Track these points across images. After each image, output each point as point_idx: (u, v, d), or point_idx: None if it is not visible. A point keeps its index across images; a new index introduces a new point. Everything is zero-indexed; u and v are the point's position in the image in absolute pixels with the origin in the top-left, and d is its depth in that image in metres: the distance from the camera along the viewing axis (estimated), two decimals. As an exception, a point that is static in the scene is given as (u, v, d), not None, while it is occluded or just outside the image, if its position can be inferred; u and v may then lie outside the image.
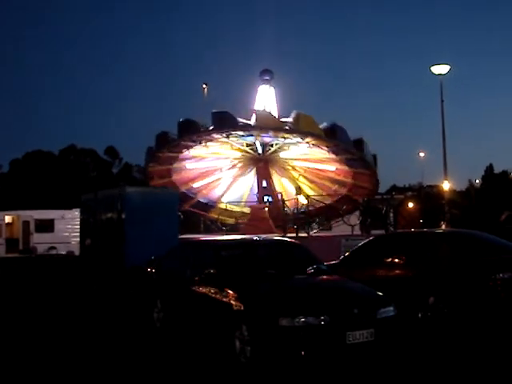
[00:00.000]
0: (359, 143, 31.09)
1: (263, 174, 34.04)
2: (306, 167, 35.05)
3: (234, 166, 35.78)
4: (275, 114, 33.67)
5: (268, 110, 33.15)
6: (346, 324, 7.71)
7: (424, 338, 9.51)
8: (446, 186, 32.37)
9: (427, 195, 62.03)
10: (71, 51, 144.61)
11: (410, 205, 51.34)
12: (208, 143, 32.34)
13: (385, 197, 30.86)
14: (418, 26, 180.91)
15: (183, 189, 35.07)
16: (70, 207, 36.06)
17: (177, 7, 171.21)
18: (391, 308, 8.30)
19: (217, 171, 36.22)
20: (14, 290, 17.89)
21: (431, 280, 10.08)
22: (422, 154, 68.62)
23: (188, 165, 35.25)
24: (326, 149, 31.70)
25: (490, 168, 74.92)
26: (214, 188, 36.58)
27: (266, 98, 34.86)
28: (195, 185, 35.87)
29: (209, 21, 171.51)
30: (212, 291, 9.19)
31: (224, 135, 31.34)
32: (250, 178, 35.81)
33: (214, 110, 31.15)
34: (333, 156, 32.59)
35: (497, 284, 9.35)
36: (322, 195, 33.72)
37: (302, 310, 7.72)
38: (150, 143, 33.73)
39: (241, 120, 30.83)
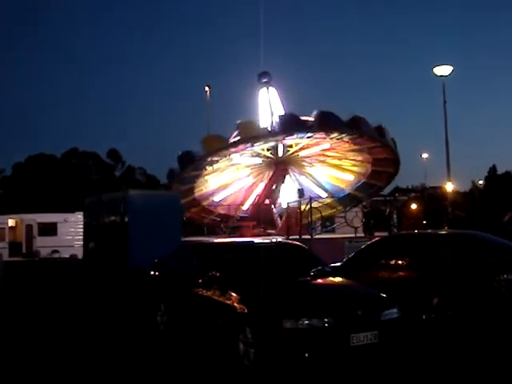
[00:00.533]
0: (380, 130, 30.64)
1: (278, 176, 33.71)
2: (319, 152, 34.44)
3: (261, 178, 35.32)
4: (281, 113, 33.45)
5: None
6: (349, 326, 7.70)
7: (428, 339, 9.48)
8: (449, 187, 32.33)
9: (430, 196, 62.04)
10: (73, 54, 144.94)
11: (414, 206, 51.34)
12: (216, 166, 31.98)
13: (388, 198, 30.81)
14: (420, 27, 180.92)
15: (239, 214, 34.87)
16: (72, 210, 36.12)
17: (177, 7, 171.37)
18: (395, 310, 8.28)
19: (253, 187, 35.73)
20: (18, 294, 17.90)
21: (435, 281, 10.06)
22: (424, 156, 68.61)
23: (216, 198, 34.94)
24: (348, 141, 31.23)
25: (493, 169, 74.76)
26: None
27: (268, 100, 34.70)
28: (245, 207, 35.41)
29: (212, 21, 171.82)
30: (215, 294, 9.20)
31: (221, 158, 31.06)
32: (287, 181, 35.19)
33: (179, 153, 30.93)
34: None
35: (501, 285, 9.34)
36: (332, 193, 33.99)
37: (305, 312, 7.71)
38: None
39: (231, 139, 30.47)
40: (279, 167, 33.40)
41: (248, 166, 34.17)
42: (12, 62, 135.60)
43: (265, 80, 34.88)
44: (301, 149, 32.77)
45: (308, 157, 33.98)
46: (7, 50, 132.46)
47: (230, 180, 34.65)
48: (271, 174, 33.61)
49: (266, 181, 34.24)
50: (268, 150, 32.39)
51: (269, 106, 34.34)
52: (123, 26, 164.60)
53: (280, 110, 33.94)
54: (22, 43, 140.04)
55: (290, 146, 32.44)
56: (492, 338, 9.15)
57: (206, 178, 32.58)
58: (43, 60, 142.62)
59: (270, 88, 34.82)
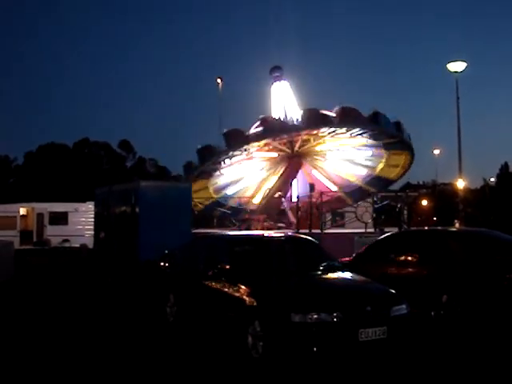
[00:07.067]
0: (398, 126, 30.89)
1: (292, 170, 33.64)
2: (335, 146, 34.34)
3: (273, 171, 35.20)
4: (295, 106, 33.36)
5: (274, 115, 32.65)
6: (358, 321, 7.71)
7: (437, 336, 9.48)
8: (461, 183, 32.13)
9: (441, 193, 61.73)
10: (86, 44, 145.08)
11: (424, 202, 51.07)
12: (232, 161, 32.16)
13: (399, 194, 30.65)
14: (434, 22, 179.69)
15: (250, 207, 34.73)
16: (83, 200, 36.25)
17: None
18: (404, 306, 8.28)
19: (264, 181, 35.71)
20: (29, 282, 18.02)
21: (445, 278, 10.06)
22: (436, 152, 68.30)
23: (229, 192, 34.86)
24: (367, 136, 31.69)
25: (505, 166, 74.26)
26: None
27: (281, 94, 34.49)
28: (256, 200, 35.19)
29: (225, 14, 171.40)
30: (225, 286, 9.23)
31: (242, 151, 31.17)
32: (299, 175, 35.07)
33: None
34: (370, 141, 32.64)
35: (511, 283, 9.31)
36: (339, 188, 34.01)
37: (314, 306, 7.72)
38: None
39: (251, 132, 30.51)
40: (293, 161, 33.38)
41: (264, 159, 34.15)
42: (25, 51, 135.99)
43: (276, 74, 34.60)
44: (317, 144, 32.81)
45: (322, 151, 33.99)
46: (21, 39, 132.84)
47: (244, 174, 34.69)
48: (285, 167, 33.57)
49: (278, 174, 34.22)
50: (285, 144, 32.38)
51: (282, 100, 34.15)
52: (136, 20, 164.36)
53: (294, 104, 33.81)
54: (35, 32, 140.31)
55: (307, 141, 32.42)
56: (501, 335, 9.14)
57: (222, 171, 32.67)
58: (56, 50, 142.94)
59: (283, 82, 34.61)
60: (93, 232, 22.42)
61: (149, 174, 72.42)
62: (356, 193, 34.93)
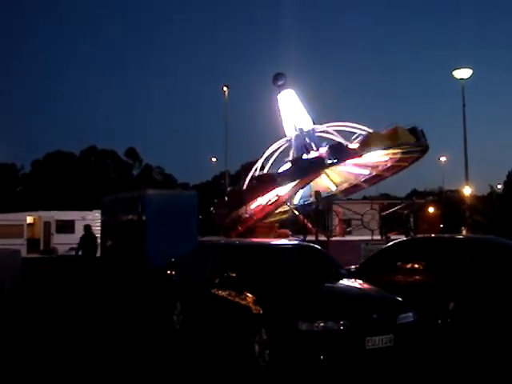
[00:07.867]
0: (414, 132, 30.93)
1: (308, 180, 33.67)
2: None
3: None
4: (305, 114, 33.36)
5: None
6: (365, 329, 7.69)
7: (444, 344, 9.45)
8: (467, 191, 32.07)
9: (448, 200, 61.67)
10: (91, 53, 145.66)
11: (431, 209, 50.98)
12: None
13: (405, 201, 30.64)
14: (440, 30, 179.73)
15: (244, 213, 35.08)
16: (90, 208, 36.35)
17: (202, 4, 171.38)
18: (411, 314, 8.26)
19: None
20: (36, 291, 18.06)
21: (451, 286, 10.04)
22: (443, 159, 68.30)
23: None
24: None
25: (512, 173, 74.10)
26: None
27: (289, 104, 34.23)
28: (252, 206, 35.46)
29: (230, 22, 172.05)
30: (231, 294, 9.23)
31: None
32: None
33: (256, 175, 31.77)
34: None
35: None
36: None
37: (321, 314, 7.72)
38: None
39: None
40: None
41: None
42: (32, 58, 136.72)
43: (280, 82, 34.23)
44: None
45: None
46: (27, 46, 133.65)
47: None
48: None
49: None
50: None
51: (291, 111, 33.94)
52: (141, 28, 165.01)
53: (303, 114, 33.61)
54: (41, 42, 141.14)
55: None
56: (508, 343, 9.10)
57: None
58: (64, 57, 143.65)
59: (288, 90, 34.37)
60: (100, 240, 22.48)
61: (155, 182, 72.66)
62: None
